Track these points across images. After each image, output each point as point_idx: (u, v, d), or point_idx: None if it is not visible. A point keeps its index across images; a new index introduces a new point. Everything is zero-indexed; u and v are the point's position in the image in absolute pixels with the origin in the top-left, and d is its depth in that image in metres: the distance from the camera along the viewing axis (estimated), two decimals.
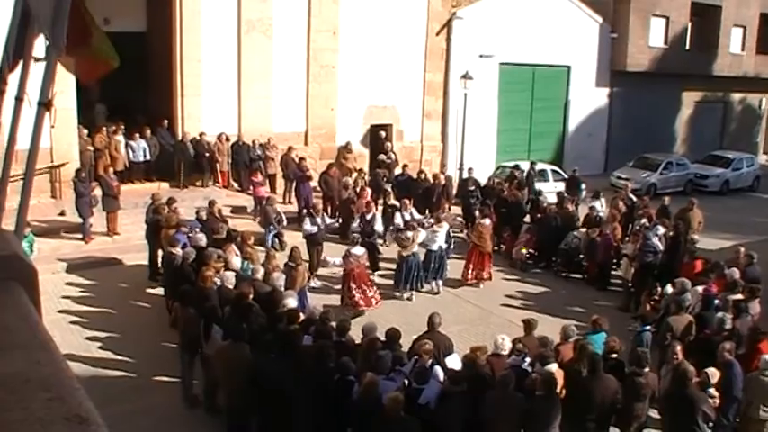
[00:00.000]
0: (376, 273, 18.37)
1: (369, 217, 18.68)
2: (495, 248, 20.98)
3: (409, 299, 17.34)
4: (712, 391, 10.13)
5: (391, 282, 17.70)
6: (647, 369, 10.26)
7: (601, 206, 22.19)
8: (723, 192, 34.41)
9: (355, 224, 18.75)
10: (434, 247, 17.96)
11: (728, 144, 42.29)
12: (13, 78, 3.42)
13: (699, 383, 9.89)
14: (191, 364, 12.10)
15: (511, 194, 22.37)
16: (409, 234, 17.44)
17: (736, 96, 44.10)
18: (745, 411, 10.90)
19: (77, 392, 1.22)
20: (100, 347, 14.02)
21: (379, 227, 18.80)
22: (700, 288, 14.47)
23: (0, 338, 1.28)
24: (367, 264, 16.53)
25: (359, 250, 16.26)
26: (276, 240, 19.84)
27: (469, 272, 18.59)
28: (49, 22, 3.04)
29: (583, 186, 25.79)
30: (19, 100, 3.23)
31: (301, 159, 23.41)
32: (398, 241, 17.55)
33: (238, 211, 22.29)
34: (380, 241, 19.85)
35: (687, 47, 39.65)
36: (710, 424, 9.74)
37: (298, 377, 9.54)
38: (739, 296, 13.81)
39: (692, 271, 16.18)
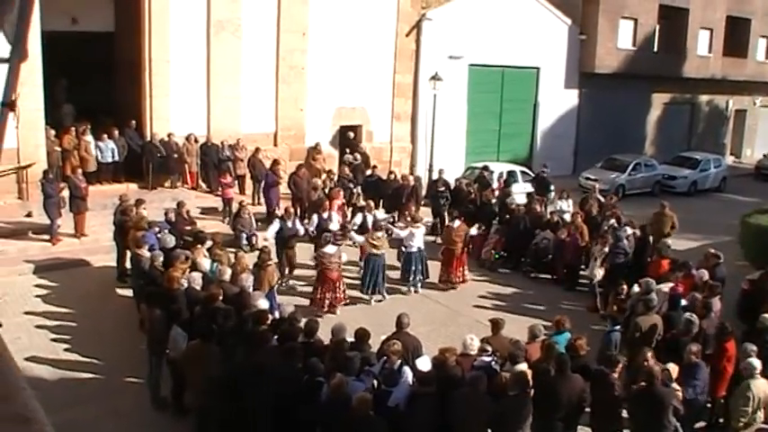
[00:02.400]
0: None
1: (325, 216, 18.68)
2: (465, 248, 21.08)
3: (379, 301, 17.34)
4: (675, 385, 10.24)
5: (358, 282, 17.69)
6: (617, 370, 10.33)
7: (568, 206, 22.32)
8: (691, 192, 34.78)
9: (314, 224, 18.68)
10: (414, 249, 18.05)
11: (696, 145, 42.77)
12: None
13: (661, 380, 9.98)
14: (158, 366, 12.03)
15: (484, 196, 22.42)
16: (379, 234, 17.47)
17: (704, 98, 44.64)
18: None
19: (23, 393, 1.22)
20: (67, 349, 13.89)
21: (334, 226, 18.78)
22: (666, 287, 14.58)
23: None
24: (340, 261, 16.51)
25: (331, 249, 16.26)
26: (247, 242, 19.78)
27: (451, 275, 18.61)
28: (12, 23, 3.02)
29: (552, 187, 25.94)
30: None
31: (275, 162, 23.31)
32: (371, 240, 17.55)
33: (208, 212, 22.21)
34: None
35: (655, 49, 40.07)
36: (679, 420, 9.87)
37: (264, 378, 9.51)
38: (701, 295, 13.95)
39: (658, 270, 16.31)
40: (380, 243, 17.31)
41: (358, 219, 19.21)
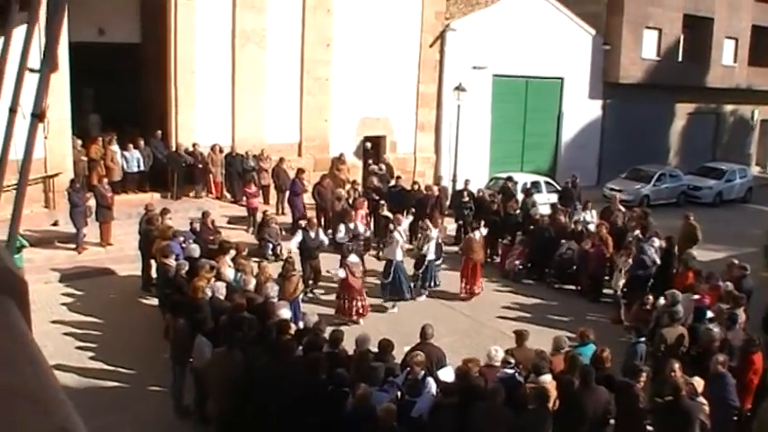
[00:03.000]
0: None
1: (352, 226, 18.76)
2: (488, 260, 21.09)
3: (392, 308, 17.38)
4: (701, 399, 10.15)
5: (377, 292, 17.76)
6: (642, 380, 10.26)
7: (592, 217, 22.22)
8: (716, 203, 34.48)
9: (341, 233, 18.70)
10: (431, 256, 18.21)
11: (721, 155, 42.41)
12: (6, 90, 3.43)
13: (687, 394, 9.89)
14: (182, 375, 12.08)
15: (508, 207, 22.35)
16: (395, 235, 17.56)
17: (729, 108, 44.26)
18: None
19: (64, 405, 1.23)
20: (92, 357, 14.00)
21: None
22: (694, 297, 14.48)
23: None
24: (361, 272, 16.58)
25: (353, 259, 16.32)
26: (271, 252, 19.85)
27: (469, 285, 18.62)
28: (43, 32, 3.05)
29: (581, 197, 25.58)
30: (12, 111, 3.24)
31: (300, 171, 23.39)
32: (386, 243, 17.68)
33: (234, 221, 22.30)
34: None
35: (680, 59, 39.83)
36: None
37: (287, 387, 9.53)
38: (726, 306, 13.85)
39: (684, 282, 16.19)
40: (391, 244, 17.43)
41: (341, 232, 19.01)
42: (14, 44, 3.42)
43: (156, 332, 14.51)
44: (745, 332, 12.91)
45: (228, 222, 21.85)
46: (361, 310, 16.29)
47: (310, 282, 17.85)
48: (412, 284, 18.04)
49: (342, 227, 18.66)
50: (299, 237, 17.94)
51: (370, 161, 27.04)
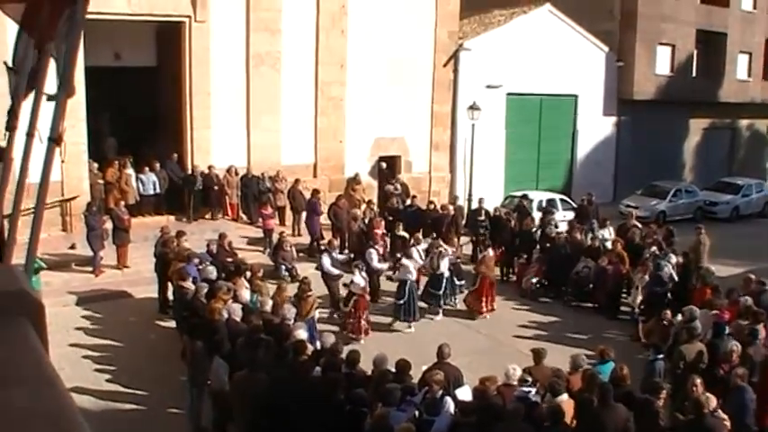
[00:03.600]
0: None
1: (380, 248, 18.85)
2: (505, 278, 21.06)
3: (408, 328, 17.40)
4: (722, 414, 10.03)
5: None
6: (662, 397, 10.18)
7: (609, 234, 22.15)
8: (733, 218, 34.29)
9: (375, 257, 18.79)
10: (447, 273, 18.25)
11: (737, 170, 42.18)
12: (23, 114, 3.47)
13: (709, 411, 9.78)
14: (199, 397, 12.09)
15: (524, 225, 22.31)
16: (405, 261, 17.67)
17: (744, 122, 44.10)
18: None
19: (82, 428, 1.24)
20: (109, 380, 14.02)
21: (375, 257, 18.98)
22: (711, 312, 14.38)
23: (5, 374, 1.30)
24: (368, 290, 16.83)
25: (358, 278, 16.52)
26: (287, 273, 19.86)
27: (483, 304, 18.59)
28: (61, 56, 3.09)
29: (598, 214, 25.47)
30: (30, 136, 3.28)
31: (315, 192, 23.47)
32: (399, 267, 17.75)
33: (251, 243, 22.34)
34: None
35: (693, 74, 39.81)
36: None
37: (307, 408, 9.52)
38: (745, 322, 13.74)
39: (702, 298, 16.08)
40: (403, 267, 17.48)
41: (373, 259, 18.98)
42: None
43: (173, 354, 14.51)
44: (766, 348, 12.80)
45: (248, 243, 21.91)
46: (366, 327, 16.52)
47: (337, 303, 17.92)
48: (424, 304, 18.17)
49: (373, 253, 18.77)
50: (328, 259, 18.03)
51: (393, 180, 27.02)
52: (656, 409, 9.96)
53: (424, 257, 18.86)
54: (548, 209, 26.31)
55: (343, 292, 17.56)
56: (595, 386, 10.09)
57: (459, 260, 19.82)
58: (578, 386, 10.59)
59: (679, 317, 14.39)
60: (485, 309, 18.61)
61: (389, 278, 19.84)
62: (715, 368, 12.21)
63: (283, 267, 19.87)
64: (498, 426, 9.31)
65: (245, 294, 14.55)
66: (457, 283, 18.95)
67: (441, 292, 18.31)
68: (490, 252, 19.17)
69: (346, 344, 14.37)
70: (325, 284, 17.80)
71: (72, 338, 15.85)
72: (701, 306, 14.84)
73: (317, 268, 18.54)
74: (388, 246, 21.20)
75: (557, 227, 23.21)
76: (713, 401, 10.14)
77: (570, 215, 26.37)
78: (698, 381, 10.58)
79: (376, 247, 19.33)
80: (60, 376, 1.48)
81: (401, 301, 17.33)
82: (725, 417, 10.07)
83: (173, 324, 16.00)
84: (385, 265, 18.69)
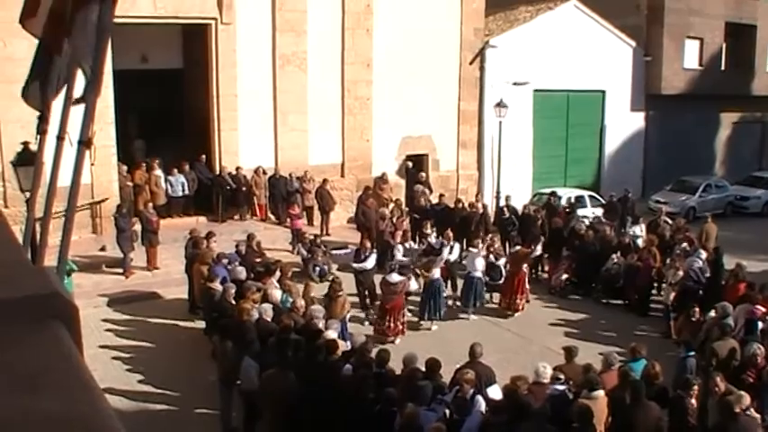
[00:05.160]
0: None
1: (407, 246, 18.77)
2: (534, 276, 20.94)
3: (428, 329, 17.29)
4: (754, 413, 9.91)
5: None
6: (693, 393, 10.09)
7: (641, 231, 21.99)
8: (764, 213, 33.90)
9: (399, 254, 18.77)
10: (477, 274, 18.07)
11: None
12: (54, 118, 3.50)
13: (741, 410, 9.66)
14: (229, 397, 12.13)
15: (553, 222, 22.18)
16: (434, 258, 17.60)
17: None
18: None
19: None
20: (140, 381, 14.11)
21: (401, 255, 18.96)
22: (746, 307, 14.20)
23: (40, 378, 1.29)
24: (405, 291, 16.59)
25: (395, 278, 16.30)
26: (317, 271, 19.88)
27: (518, 299, 18.50)
28: (88, 60, 3.10)
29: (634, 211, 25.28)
30: (60, 139, 3.30)
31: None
32: (425, 265, 17.62)
33: (279, 243, 22.39)
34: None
35: (723, 67, 39.34)
36: None
37: (338, 408, 9.52)
38: None
39: (735, 294, 15.89)
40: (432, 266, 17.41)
41: (399, 252, 19.11)
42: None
43: (203, 354, 14.59)
44: None
45: (275, 243, 21.99)
46: (401, 329, 16.34)
47: (367, 302, 17.91)
48: (450, 302, 18.18)
49: (400, 247, 18.79)
50: (373, 259, 18.13)
51: (419, 177, 26.95)
52: (687, 404, 9.87)
53: (455, 255, 18.83)
54: (572, 206, 26.12)
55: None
56: (628, 384, 10.02)
57: (496, 259, 19.45)
58: (612, 384, 10.51)
59: (712, 313, 14.23)
60: (519, 304, 18.48)
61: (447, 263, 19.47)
62: (748, 366, 12.08)
63: (317, 268, 19.90)
64: (523, 425, 9.26)
65: (276, 294, 14.58)
66: (491, 282, 18.83)
67: (473, 293, 18.19)
68: (516, 249, 19.07)
69: (381, 344, 14.42)
70: (357, 284, 17.77)
71: (103, 340, 15.97)
72: (738, 302, 14.65)
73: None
74: (417, 245, 21.13)
75: (579, 220, 23.15)
76: (747, 400, 10.04)
77: (599, 212, 26.19)
78: (718, 378, 10.48)
79: (404, 245, 19.32)
80: (95, 379, 1.47)
81: (428, 300, 17.24)
82: (756, 416, 9.96)
83: (203, 324, 16.07)
84: (407, 260, 18.54)
